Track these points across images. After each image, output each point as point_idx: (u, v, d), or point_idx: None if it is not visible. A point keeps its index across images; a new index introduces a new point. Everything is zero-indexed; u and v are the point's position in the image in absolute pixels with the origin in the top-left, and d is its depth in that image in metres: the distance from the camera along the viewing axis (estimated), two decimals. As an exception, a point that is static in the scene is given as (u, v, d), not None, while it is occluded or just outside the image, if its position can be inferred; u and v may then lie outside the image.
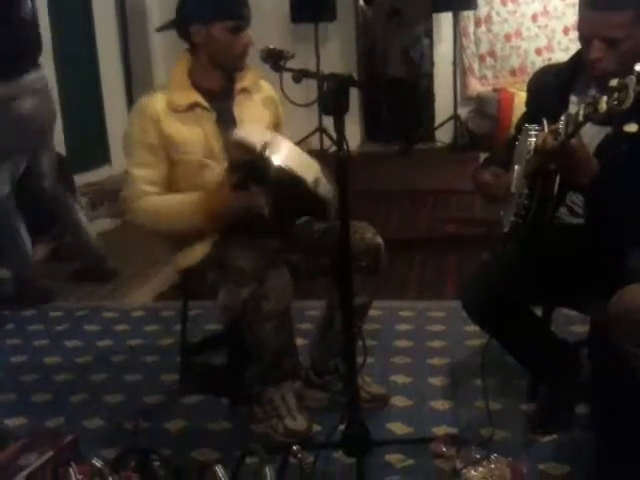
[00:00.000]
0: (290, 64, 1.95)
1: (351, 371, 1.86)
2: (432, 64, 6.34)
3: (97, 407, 2.36)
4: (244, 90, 2.19)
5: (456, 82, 5.98)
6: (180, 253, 2.16)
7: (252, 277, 1.92)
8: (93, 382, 2.56)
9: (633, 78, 1.43)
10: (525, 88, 2.13)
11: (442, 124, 6.07)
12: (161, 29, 2.16)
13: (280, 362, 2.08)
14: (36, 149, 3.34)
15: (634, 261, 1.75)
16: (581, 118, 1.60)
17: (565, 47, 5.89)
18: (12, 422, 2.26)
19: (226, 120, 2.10)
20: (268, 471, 1.25)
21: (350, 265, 1.79)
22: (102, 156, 5.09)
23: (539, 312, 2.10)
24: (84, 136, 4.85)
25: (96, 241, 3.65)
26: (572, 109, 1.72)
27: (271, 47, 1.97)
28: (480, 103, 6.06)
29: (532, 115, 1.93)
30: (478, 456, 1.84)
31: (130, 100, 5.28)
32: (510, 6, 6.05)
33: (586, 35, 1.79)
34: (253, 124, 2.11)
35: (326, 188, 1.90)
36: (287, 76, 1.91)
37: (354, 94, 1.83)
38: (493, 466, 1.80)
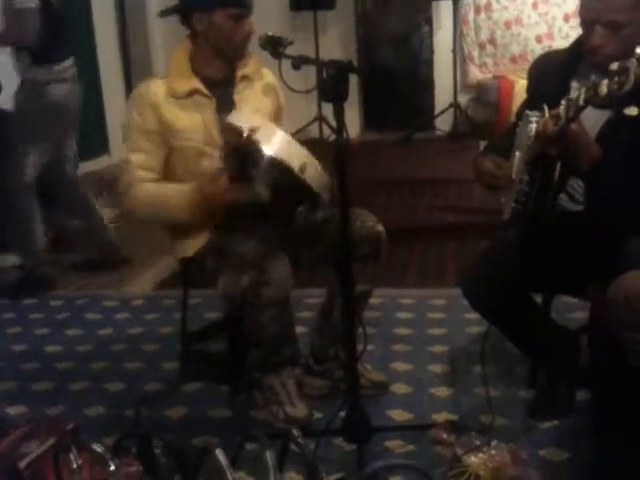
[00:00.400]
0: (289, 52, 1.94)
1: (351, 358, 1.86)
2: (432, 52, 6.32)
3: (98, 395, 2.37)
4: (245, 77, 2.18)
5: (456, 70, 5.96)
6: (180, 241, 2.16)
7: (252, 264, 1.92)
8: (94, 370, 2.56)
9: (634, 61, 1.43)
10: (525, 76, 2.12)
11: (442, 112, 6.05)
12: (163, 14, 2.15)
13: (280, 349, 2.08)
14: (64, 133, 3.45)
15: (634, 247, 1.74)
16: (581, 102, 1.59)
17: (565, 34, 5.86)
18: (13, 410, 2.27)
19: (226, 107, 2.09)
20: (269, 456, 1.25)
21: (350, 253, 1.79)
22: (101, 146, 5.08)
23: (539, 299, 2.11)
24: (83, 126, 4.82)
25: (110, 229, 3.66)
26: (573, 94, 1.71)
27: (270, 34, 1.96)
28: (480, 91, 6.04)
29: (533, 101, 1.93)
30: (478, 442, 1.85)
31: (129, 90, 5.26)
32: (510, -7, 6.02)
33: (588, 20, 1.78)
34: (243, 109, 2.10)
35: (314, 174, 1.90)
36: (286, 64, 1.90)
37: (353, 83, 1.83)
38: (493, 452, 1.80)
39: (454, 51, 5.96)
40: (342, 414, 1.88)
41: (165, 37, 5.42)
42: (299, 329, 2.26)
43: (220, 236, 2.06)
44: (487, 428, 1.94)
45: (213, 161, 2.08)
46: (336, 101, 1.72)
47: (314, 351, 2.30)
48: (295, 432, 1.35)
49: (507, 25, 6.08)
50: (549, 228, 1.85)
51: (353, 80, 1.76)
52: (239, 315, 2.04)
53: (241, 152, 1.93)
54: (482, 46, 6.17)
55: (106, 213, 4.39)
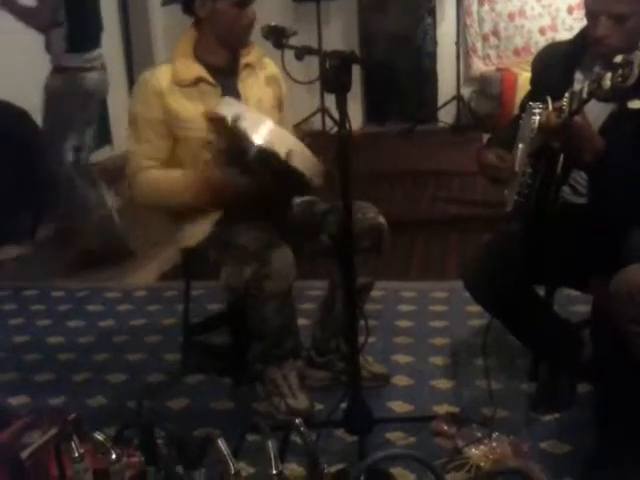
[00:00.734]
0: (291, 42, 1.93)
1: (353, 350, 1.86)
2: (435, 44, 6.28)
3: (100, 386, 2.37)
4: (248, 66, 2.17)
5: (459, 62, 5.93)
6: (183, 232, 2.16)
7: (254, 256, 1.92)
8: (96, 362, 2.57)
9: (638, 54, 1.42)
10: (528, 68, 2.11)
11: (445, 104, 6.03)
12: (166, 2, 2.14)
13: (282, 341, 2.08)
14: (88, 122, 3.49)
15: (637, 240, 1.74)
16: (585, 95, 1.59)
17: (569, 26, 5.83)
18: (15, 401, 2.27)
19: (231, 96, 2.09)
20: (271, 446, 1.25)
21: (352, 245, 1.79)
22: (103, 137, 5.06)
23: (542, 292, 2.10)
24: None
25: (121, 224, 3.64)
26: (577, 87, 1.71)
27: (273, 24, 1.95)
28: (483, 83, 6.01)
29: (537, 93, 1.92)
30: (479, 435, 1.86)
31: (131, 81, 5.24)
32: (514, -15, 5.99)
33: (592, 11, 1.77)
34: (230, 97, 2.09)
35: (302, 160, 1.90)
36: (289, 55, 1.89)
37: (356, 75, 1.82)
38: (494, 444, 1.81)
39: (457, 43, 5.93)
40: (343, 406, 1.88)
41: (167, 29, 5.39)
42: (301, 321, 2.26)
43: (223, 227, 2.06)
44: (488, 420, 1.95)
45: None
46: (339, 92, 1.71)
47: (316, 343, 2.30)
48: (297, 421, 1.35)
49: (510, 17, 6.05)
50: (552, 221, 1.85)
51: (356, 72, 1.75)
52: (241, 307, 2.04)
53: (227, 141, 1.93)
54: (485, 38, 6.14)
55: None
